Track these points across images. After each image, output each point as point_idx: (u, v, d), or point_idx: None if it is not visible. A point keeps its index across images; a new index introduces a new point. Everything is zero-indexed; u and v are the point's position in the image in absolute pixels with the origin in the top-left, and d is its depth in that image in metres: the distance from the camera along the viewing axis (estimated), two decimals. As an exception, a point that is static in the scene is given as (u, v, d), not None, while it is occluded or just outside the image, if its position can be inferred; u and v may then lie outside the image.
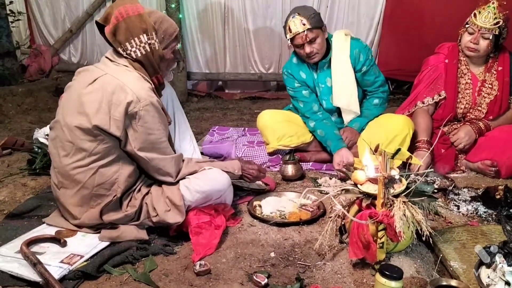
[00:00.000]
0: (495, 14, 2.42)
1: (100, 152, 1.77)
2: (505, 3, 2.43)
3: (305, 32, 2.47)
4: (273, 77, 4.79)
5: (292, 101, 2.86)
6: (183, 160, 1.93)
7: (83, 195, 1.82)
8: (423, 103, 2.69)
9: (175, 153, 1.91)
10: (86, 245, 1.79)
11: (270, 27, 4.56)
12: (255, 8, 4.59)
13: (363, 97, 2.82)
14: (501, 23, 2.42)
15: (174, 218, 1.83)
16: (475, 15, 2.48)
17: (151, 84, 1.83)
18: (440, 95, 2.66)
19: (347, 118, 2.78)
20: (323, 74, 2.70)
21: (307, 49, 2.53)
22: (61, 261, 1.66)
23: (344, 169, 2.39)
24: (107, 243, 1.81)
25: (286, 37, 2.55)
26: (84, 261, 1.69)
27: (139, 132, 1.76)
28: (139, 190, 1.89)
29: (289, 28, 2.50)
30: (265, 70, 4.80)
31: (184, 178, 1.89)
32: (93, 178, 1.79)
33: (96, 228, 1.87)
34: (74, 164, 1.79)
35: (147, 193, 1.88)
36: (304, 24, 2.46)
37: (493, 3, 2.43)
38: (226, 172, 1.99)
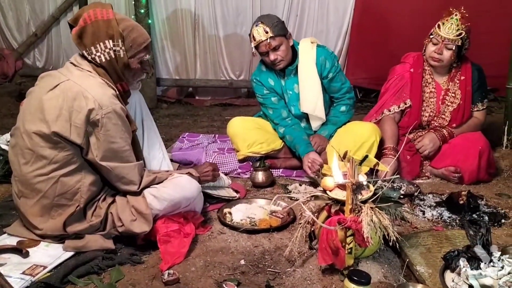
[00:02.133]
0: (458, 25, 2.50)
1: (61, 160, 1.72)
2: (467, 15, 2.52)
3: (268, 40, 2.52)
4: (243, 84, 4.78)
5: (262, 108, 2.89)
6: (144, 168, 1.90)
7: (43, 205, 1.76)
8: (390, 111, 2.75)
9: (143, 160, 1.88)
10: (49, 255, 1.73)
11: (241, 34, 4.56)
12: (226, 15, 4.58)
13: (330, 104, 2.86)
14: (463, 34, 2.51)
15: (140, 227, 1.79)
16: (439, 26, 2.55)
17: (115, 90, 1.80)
18: (405, 103, 2.72)
19: (314, 124, 2.82)
20: (291, 81, 2.74)
21: (272, 56, 2.58)
22: (23, 273, 1.61)
23: (316, 168, 2.45)
24: (71, 253, 1.75)
25: (251, 45, 2.60)
26: (48, 272, 1.64)
27: (101, 140, 1.72)
28: (104, 199, 1.84)
29: (253, 36, 2.56)
30: (235, 77, 4.79)
31: (150, 186, 1.86)
32: (54, 187, 1.74)
33: (60, 238, 1.81)
34: (35, 173, 1.73)
35: (112, 202, 1.84)
36: (267, 32, 2.51)
37: (456, 15, 2.51)
38: None
